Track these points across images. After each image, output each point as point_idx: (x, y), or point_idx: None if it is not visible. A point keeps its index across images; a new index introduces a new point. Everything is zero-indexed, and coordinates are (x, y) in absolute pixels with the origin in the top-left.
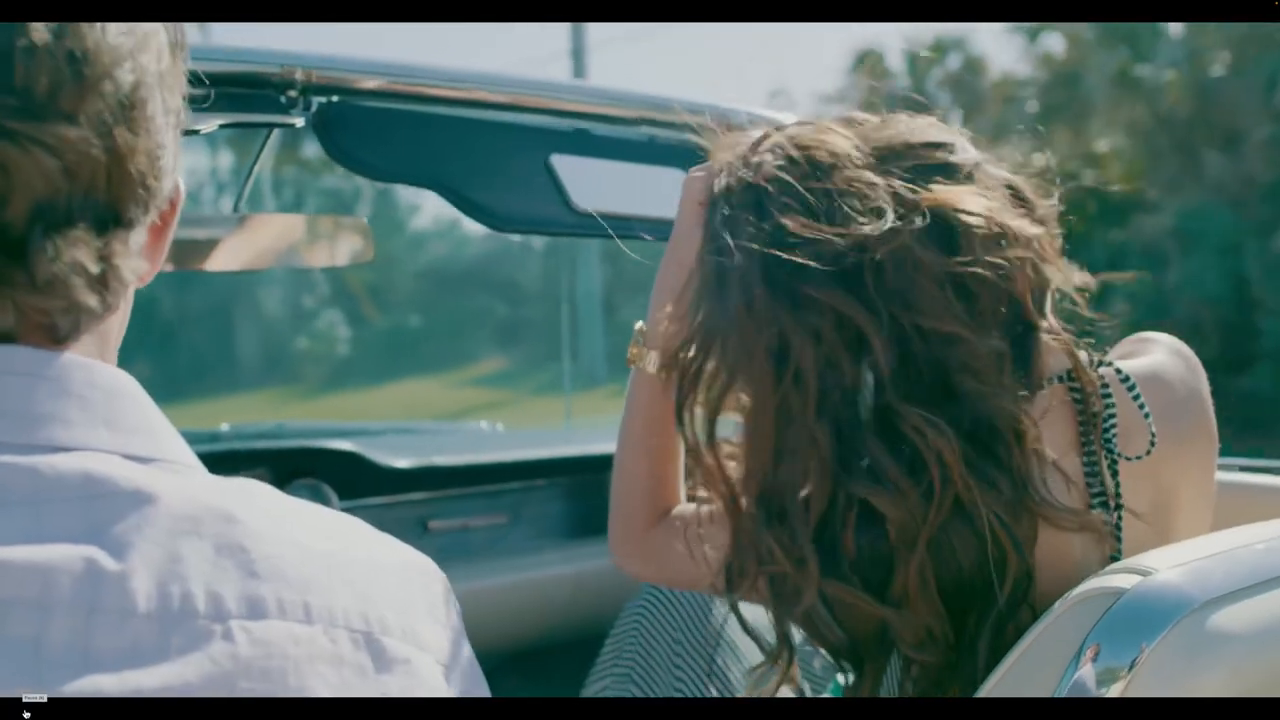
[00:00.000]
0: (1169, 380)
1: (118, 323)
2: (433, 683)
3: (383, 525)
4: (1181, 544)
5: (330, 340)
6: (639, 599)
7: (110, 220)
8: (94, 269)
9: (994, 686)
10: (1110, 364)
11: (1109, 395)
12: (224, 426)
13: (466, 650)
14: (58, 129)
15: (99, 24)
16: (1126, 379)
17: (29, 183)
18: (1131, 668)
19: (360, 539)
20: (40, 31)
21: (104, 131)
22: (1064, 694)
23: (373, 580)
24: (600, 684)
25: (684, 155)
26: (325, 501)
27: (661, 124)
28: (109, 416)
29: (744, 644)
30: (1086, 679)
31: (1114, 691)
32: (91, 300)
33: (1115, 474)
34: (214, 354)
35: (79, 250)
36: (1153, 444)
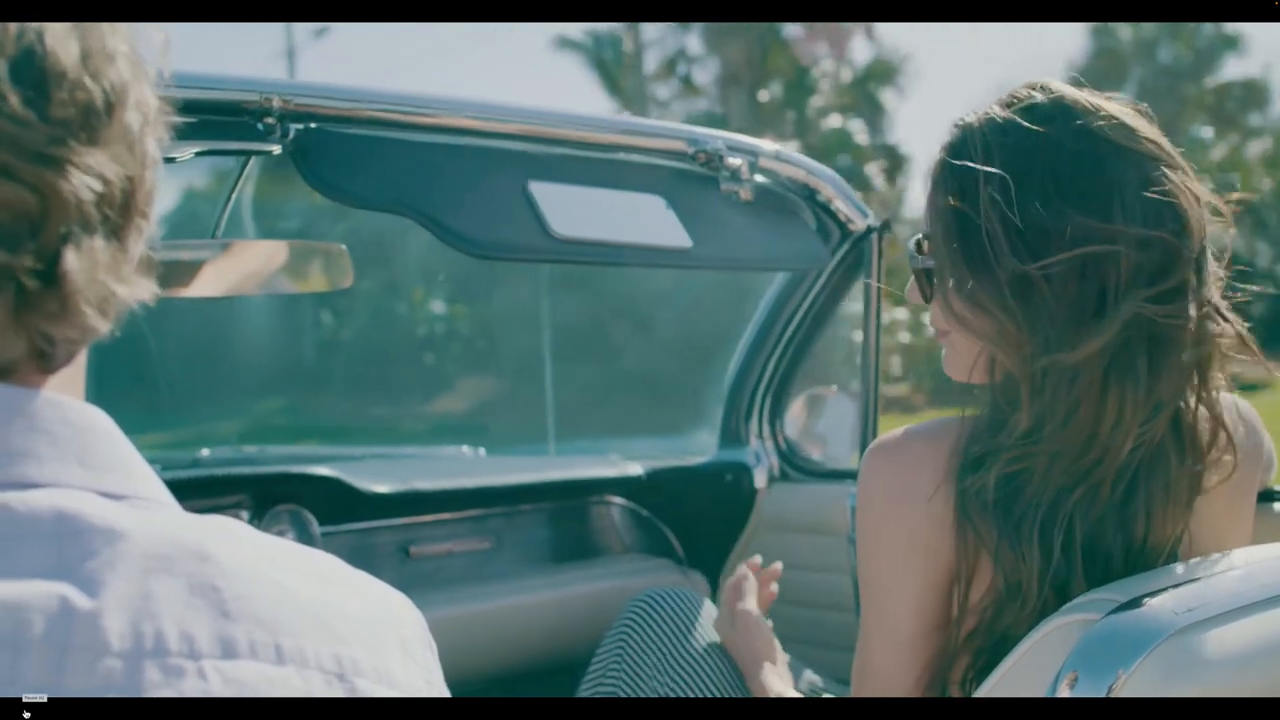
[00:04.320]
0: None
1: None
2: None
3: (364, 551)
4: (1157, 570)
5: None
6: (624, 616)
7: (120, 248)
8: (110, 295)
9: None
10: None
11: None
12: (204, 452)
13: (441, 689)
14: (91, 157)
15: (117, 56)
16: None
17: (64, 208)
18: (1108, 694)
19: (335, 578)
20: (70, 60)
21: (123, 161)
22: None
23: (346, 620)
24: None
25: (661, 180)
26: (305, 527)
27: (639, 149)
28: (81, 453)
29: (728, 661)
30: None
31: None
32: (104, 326)
33: None
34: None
35: (101, 275)
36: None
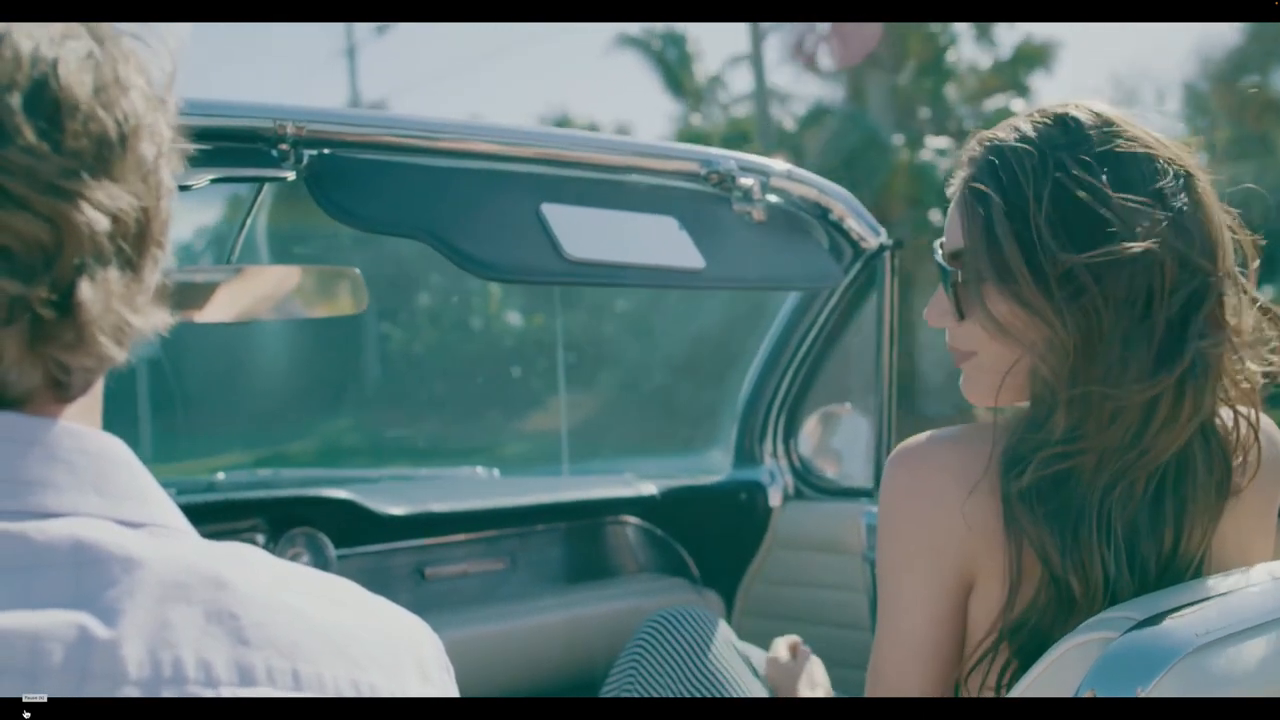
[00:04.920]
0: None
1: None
2: None
3: (379, 573)
4: (1177, 586)
5: None
6: (639, 636)
7: (135, 278)
8: (125, 324)
9: None
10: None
11: None
12: (219, 475)
13: None
14: (105, 188)
15: (130, 87)
16: None
17: (78, 239)
18: None
19: (351, 603)
20: (84, 92)
21: (138, 191)
22: None
23: (363, 645)
24: None
25: (674, 201)
26: (321, 550)
27: (651, 171)
28: (98, 482)
29: (743, 679)
30: None
31: None
32: (119, 355)
33: None
34: None
35: (116, 305)
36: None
